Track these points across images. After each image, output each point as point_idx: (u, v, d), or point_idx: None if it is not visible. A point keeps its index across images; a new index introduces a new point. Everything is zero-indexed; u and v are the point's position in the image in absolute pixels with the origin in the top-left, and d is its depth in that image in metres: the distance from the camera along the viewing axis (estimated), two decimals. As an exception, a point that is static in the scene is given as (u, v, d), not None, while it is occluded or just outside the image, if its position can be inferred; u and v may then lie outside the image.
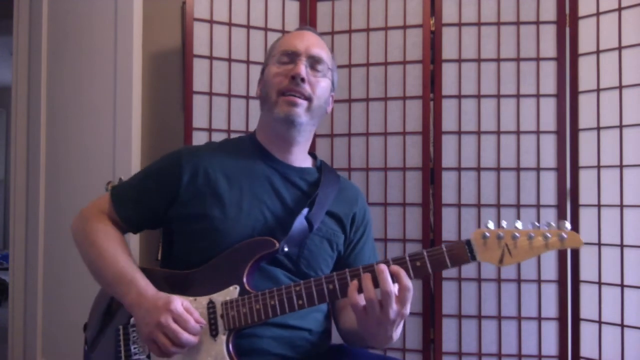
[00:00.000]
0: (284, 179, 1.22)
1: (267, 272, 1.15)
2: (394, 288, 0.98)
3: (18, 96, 2.61)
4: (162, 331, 1.02)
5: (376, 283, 0.99)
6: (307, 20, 2.18)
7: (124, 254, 1.16)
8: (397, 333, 1.05)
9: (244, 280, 1.09)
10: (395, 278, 0.99)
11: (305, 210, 1.17)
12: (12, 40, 2.66)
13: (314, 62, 1.21)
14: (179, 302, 1.04)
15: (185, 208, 1.17)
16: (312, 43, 1.23)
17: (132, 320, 1.13)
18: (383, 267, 0.99)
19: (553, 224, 0.99)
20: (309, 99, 1.20)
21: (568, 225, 0.99)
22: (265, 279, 1.13)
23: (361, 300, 1.00)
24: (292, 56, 1.21)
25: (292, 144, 1.24)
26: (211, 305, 1.08)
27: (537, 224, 1.00)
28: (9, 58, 2.90)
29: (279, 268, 1.16)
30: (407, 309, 1.00)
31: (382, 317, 0.99)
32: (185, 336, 1.02)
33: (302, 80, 1.18)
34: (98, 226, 1.20)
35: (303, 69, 1.19)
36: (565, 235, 0.98)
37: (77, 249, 1.22)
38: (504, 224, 1.00)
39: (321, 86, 1.22)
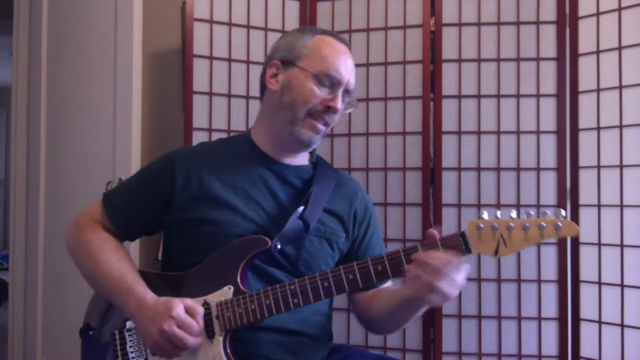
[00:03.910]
0: (279, 179, 1.21)
1: (267, 274, 1.14)
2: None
3: (18, 96, 2.61)
4: (167, 339, 1.02)
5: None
6: (307, 20, 2.18)
7: (120, 262, 1.15)
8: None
9: (238, 280, 1.08)
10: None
11: (300, 209, 1.16)
12: (12, 40, 2.66)
13: (346, 93, 1.20)
14: (181, 307, 1.04)
15: (180, 213, 1.17)
16: (352, 73, 1.21)
17: (127, 324, 1.13)
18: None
19: (549, 212, 0.97)
20: (329, 125, 1.21)
21: (563, 213, 0.97)
22: (265, 281, 1.13)
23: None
24: (334, 83, 1.18)
25: (297, 154, 1.25)
26: (206, 307, 1.07)
27: (532, 213, 0.98)
28: (9, 58, 2.90)
29: (278, 269, 1.15)
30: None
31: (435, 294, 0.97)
32: (192, 341, 1.03)
33: (335, 112, 1.19)
34: (91, 236, 1.19)
35: (341, 103, 1.18)
36: (560, 224, 0.96)
37: (73, 261, 1.21)
38: (498, 214, 0.99)
39: (341, 112, 1.23)
